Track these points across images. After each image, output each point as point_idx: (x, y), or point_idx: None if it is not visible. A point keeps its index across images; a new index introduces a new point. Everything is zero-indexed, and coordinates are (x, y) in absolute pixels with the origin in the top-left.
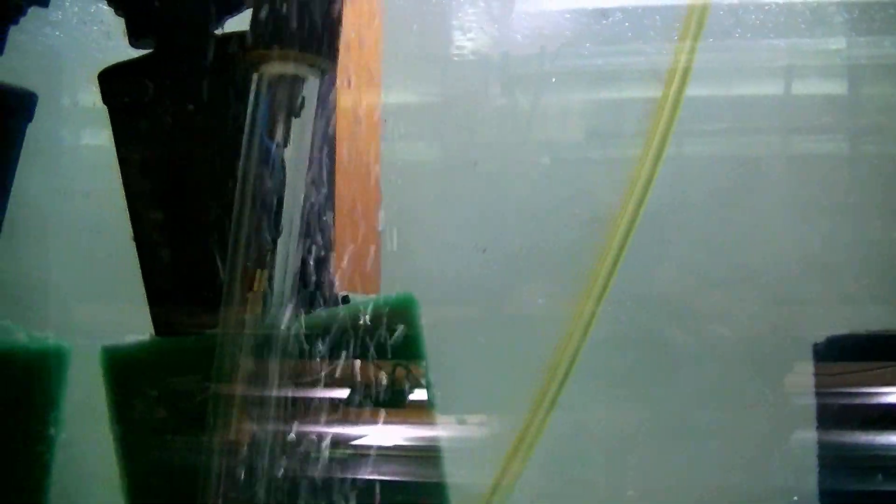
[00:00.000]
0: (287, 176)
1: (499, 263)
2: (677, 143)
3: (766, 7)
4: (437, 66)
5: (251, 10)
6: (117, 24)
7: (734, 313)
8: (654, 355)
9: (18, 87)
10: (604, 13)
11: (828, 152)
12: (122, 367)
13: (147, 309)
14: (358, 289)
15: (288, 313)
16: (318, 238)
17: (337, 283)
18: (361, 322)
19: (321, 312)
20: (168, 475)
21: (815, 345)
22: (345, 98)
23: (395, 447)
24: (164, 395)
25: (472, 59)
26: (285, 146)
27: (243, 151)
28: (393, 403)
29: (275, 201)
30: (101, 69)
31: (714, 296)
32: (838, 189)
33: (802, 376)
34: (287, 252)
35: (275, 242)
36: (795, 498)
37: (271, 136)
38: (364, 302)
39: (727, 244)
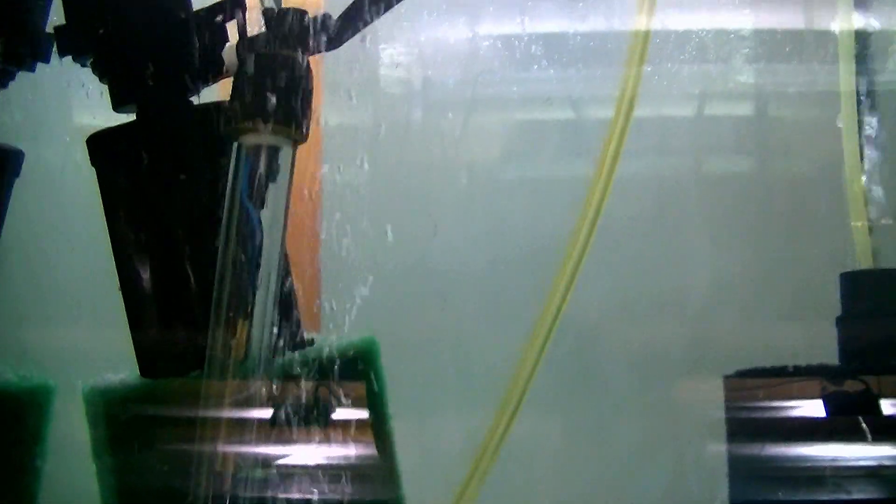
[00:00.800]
0: (264, 235)
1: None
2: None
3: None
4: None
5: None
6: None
7: (653, 336)
8: (577, 375)
9: (6, 144)
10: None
11: (739, 172)
12: (105, 407)
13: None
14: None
15: (263, 359)
16: (286, 287)
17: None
18: (329, 363)
19: (293, 356)
20: None
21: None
22: None
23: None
24: (148, 437)
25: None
26: (262, 207)
27: (225, 213)
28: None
29: (255, 258)
30: (88, 134)
31: (633, 320)
32: (749, 210)
33: (713, 394)
34: (265, 303)
35: (254, 295)
36: None
37: (251, 199)
38: (329, 344)
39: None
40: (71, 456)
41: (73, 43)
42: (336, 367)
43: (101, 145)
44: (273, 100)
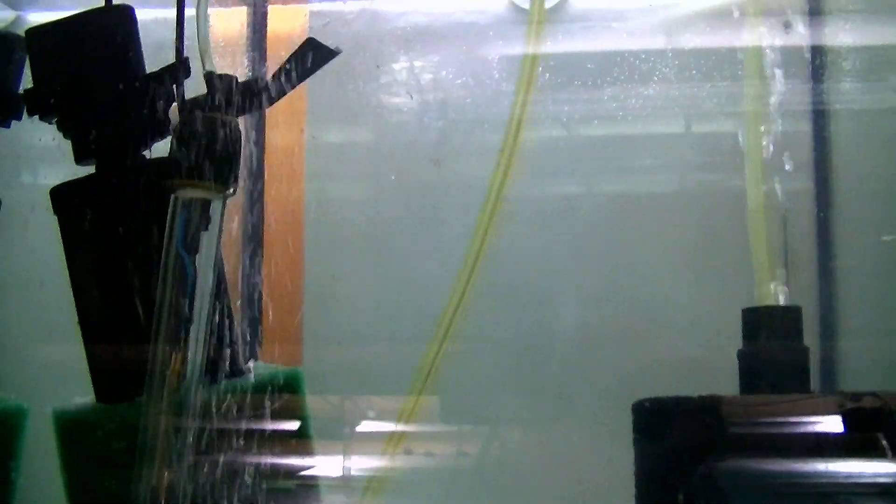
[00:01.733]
0: (197, 277)
1: None
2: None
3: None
4: None
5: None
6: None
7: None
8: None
9: None
10: None
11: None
12: (69, 427)
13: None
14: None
15: (195, 387)
16: (224, 323)
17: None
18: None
19: (226, 384)
20: None
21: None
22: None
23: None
24: (105, 453)
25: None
26: (195, 253)
27: (163, 258)
28: None
29: (188, 298)
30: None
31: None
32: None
33: None
34: (198, 338)
35: (187, 331)
36: None
37: (185, 246)
38: (262, 374)
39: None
40: (41, 471)
41: (40, 105)
42: (266, 394)
43: (62, 196)
44: (204, 158)
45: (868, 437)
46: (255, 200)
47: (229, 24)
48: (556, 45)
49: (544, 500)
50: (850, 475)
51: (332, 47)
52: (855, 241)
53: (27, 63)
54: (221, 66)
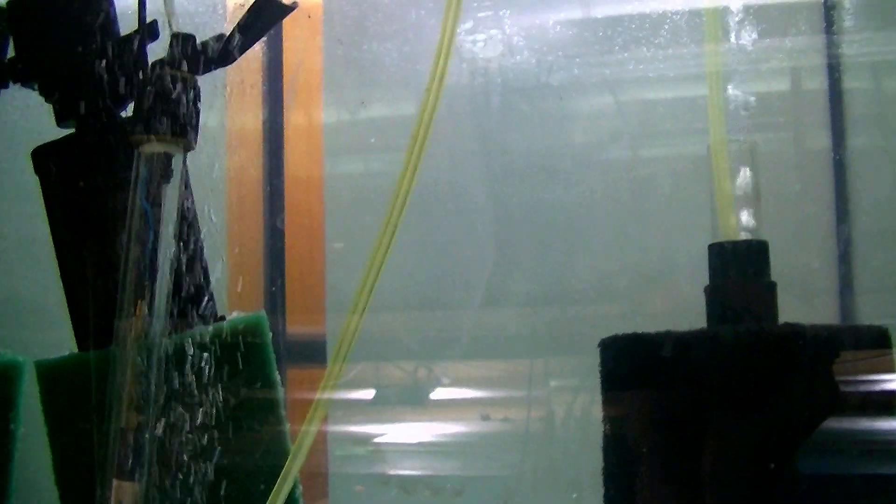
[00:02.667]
0: (161, 228)
1: None
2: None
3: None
4: None
5: None
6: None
7: None
8: None
9: None
10: None
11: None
12: (47, 376)
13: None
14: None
15: (160, 332)
16: (196, 271)
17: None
18: (220, 337)
19: (196, 330)
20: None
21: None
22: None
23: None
24: (80, 399)
25: None
26: (158, 205)
27: (128, 210)
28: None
29: (151, 248)
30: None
31: None
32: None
33: None
34: (161, 285)
35: (152, 279)
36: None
37: (148, 198)
38: (229, 321)
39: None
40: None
41: (22, 73)
42: (229, 340)
43: (43, 157)
44: (164, 113)
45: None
46: (275, 175)
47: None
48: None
49: None
50: None
51: (287, 2)
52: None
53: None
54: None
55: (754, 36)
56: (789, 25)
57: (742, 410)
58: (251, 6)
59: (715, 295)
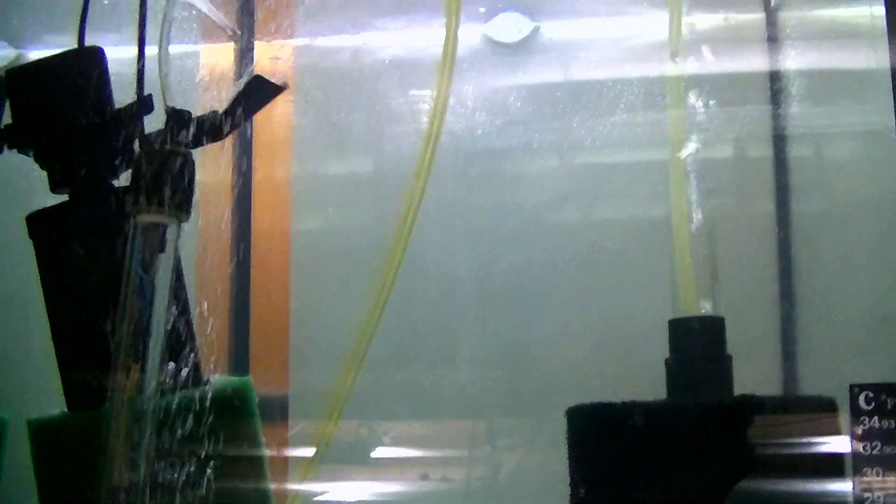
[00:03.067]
0: (155, 294)
1: None
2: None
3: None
4: None
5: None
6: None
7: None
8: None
9: None
10: None
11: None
12: (40, 434)
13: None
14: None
15: (152, 394)
16: (183, 337)
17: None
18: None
19: (186, 392)
20: None
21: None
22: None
23: None
24: (72, 457)
25: None
26: (152, 272)
27: (124, 277)
28: None
29: (146, 313)
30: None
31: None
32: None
33: None
34: (155, 349)
35: (145, 343)
36: None
37: (143, 266)
38: (214, 384)
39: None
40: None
41: (18, 140)
42: (216, 403)
43: (37, 221)
44: (161, 186)
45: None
46: (243, 228)
47: (217, 59)
48: (526, 75)
49: None
50: None
51: (279, 83)
52: (814, 260)
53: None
54: (209, 101)
55: (706, 103)
56: (736, 96)
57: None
58: (245, 85)
59: (676, 367)
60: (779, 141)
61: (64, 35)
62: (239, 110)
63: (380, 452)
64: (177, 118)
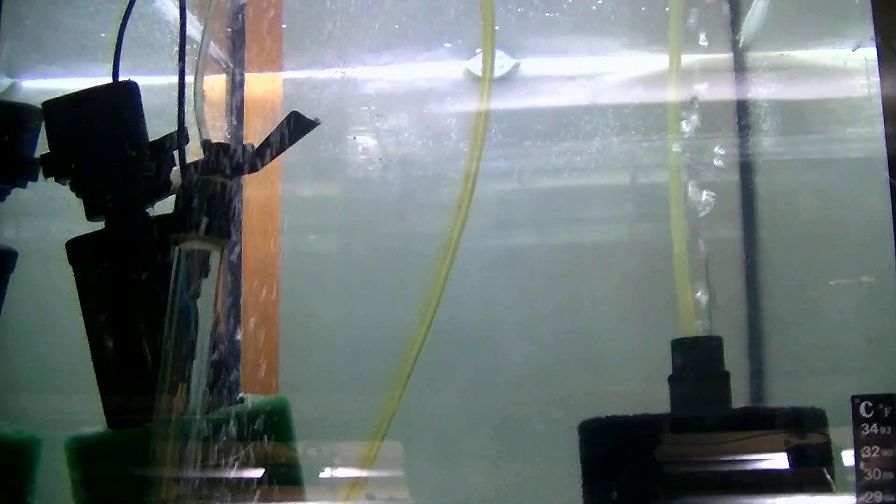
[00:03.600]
0: (199, 317)
1: None
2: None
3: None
4: None
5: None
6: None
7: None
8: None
9: (3, 246)
10: None
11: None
12: (85, 452)
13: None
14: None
15: (199, 413)
16: (226, 356)
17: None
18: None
19: (225, 410)
20: None
21: (581, 425)
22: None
23: None
24: (117, 474)
25: None
26: (197, 297)
27: (169, 302)
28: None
29: (191, 336)
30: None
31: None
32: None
33: None
34: (200, 370)
35: (191, 364)
36: None
37: (188, 291)
38: (253, 402)
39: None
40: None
41: (55, 169)
42: (256, 420)
43: (76, 248)
44: (204, 216)
45: (814, 471)
46: (234, 252)
47: (209, 89)
48: (507, 105)
49: None
50: None
51: (313, 118)
52: (778, 283)
53: (42, 131)
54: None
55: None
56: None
57: None
58: (284, 120)
59: (678, 383)
60: (745, 168)
61: (55, 65)
62: (276, 143)
63: (328, 473)
64: (215, 150)
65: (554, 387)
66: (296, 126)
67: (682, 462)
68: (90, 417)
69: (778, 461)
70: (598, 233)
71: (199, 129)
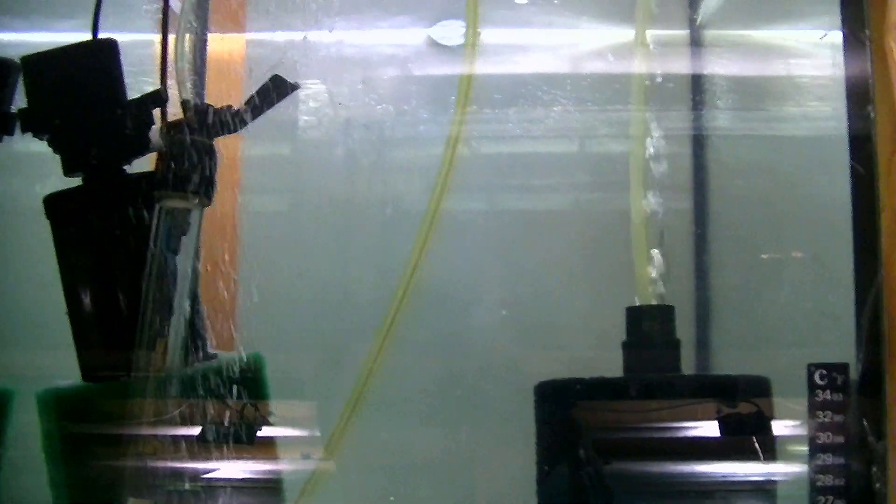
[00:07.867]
0: (178, 274)
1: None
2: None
3: None
4: None
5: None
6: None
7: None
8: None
9: None
10: None
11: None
12: (62, 405)
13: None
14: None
15: (176, 367)
16: (197, 314)
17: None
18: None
19: (199, 366)
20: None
21: (537, 386)
22: None
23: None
24: (94, 427)
25: None
26: (177, 254)
27: (149, 257)
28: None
29: (170, 292)
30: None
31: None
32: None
33: None
34: (178, 325)
35: (170, 319)
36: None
37: (168, 248)
38: (226, 357)
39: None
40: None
41: (33, 124)
42: (230, 376)
43: (54, 203)
44: (186, 174)
45: (743, 440)
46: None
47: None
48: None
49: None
50: (726, 476)
51: (293, 82)
52: (727, 255)
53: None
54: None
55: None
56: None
57: None
58: (264, 84)
59: (630, 348)
60: (698, 142)
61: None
62: (257, 104)
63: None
64: (196, 110)
65: (505, 352)
66: (277, 89)
67: (612, 428)
68: (65, 373)
69: (709, 429)
70: (550, 201)
71: (179, 89)
